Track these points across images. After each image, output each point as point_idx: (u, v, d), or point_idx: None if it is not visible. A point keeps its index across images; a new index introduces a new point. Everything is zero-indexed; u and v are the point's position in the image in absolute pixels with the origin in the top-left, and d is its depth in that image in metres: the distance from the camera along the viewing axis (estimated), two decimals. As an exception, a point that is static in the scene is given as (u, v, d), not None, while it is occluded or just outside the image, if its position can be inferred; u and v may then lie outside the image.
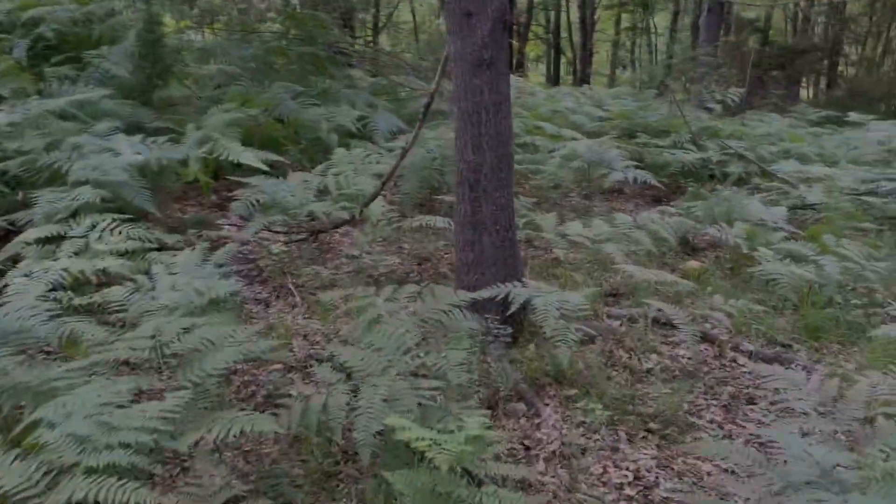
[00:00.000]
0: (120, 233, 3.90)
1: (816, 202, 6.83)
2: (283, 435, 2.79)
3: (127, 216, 4.17)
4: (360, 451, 2.30)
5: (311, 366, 3.50)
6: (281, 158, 6.18)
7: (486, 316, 3.54)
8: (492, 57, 3.68)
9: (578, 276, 5.07)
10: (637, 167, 7.45)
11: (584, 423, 3.26)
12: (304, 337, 3.88)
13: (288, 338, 3.84)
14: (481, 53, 3.66)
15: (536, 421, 3.28)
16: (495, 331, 3.50)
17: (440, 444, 2.14)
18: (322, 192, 5.52)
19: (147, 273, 3.43)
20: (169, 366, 2.38)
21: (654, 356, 4.04)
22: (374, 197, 5.20)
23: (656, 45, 30.52)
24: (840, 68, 28.47)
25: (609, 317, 4.60)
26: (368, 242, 5.28)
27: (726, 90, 12.25)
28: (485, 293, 3.47)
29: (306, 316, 4.17)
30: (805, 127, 13.34)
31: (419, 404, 2.49)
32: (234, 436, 2.00)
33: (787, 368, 4.14)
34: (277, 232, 5.09)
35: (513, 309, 3.46)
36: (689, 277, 5.50)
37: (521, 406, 3.35)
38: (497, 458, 2.70)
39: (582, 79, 24.61)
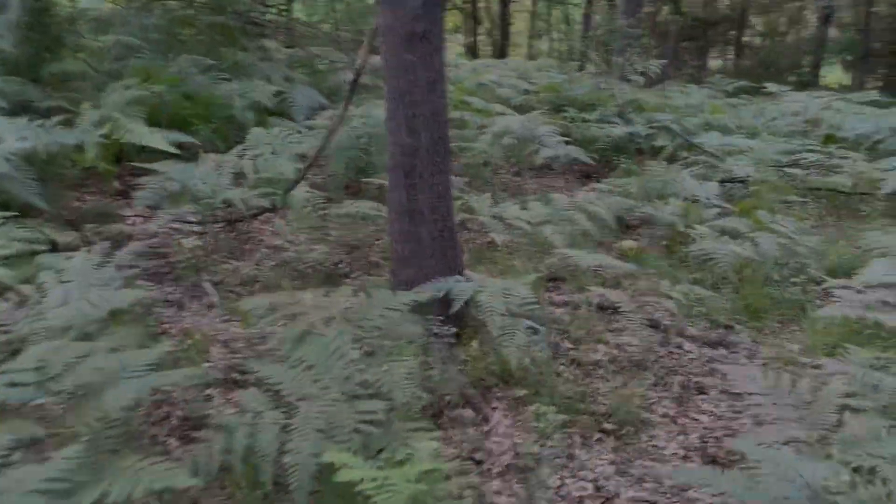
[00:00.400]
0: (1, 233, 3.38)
1: (744, 176, 6.85)
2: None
3: (11, 213, 3.64)
4: (296, 496, 1.99)
5: (233, 380, 3.12)
6: (191, 139, 5.65)
7: (428, 316, 3.25)
8: (425, 30, 3.34)
9: (518, 261, 4.84)
10: (567, 143, 7.29)
11: (536, 428, 3.03)
12: (225, 344, 3.49)
13: (205, 346, 3.44)
14: (413, 26, 3.32)
15: (485, 428, 3.03)
16: (438, 331, 3.22)
17: (389, 485, 1.84)
18: (239, 177, 5.06)
19: (34, 282, 2.96)
20: (59, 407, 1.98)
21: (601, 346, 3.86)
22: (297, 181, 4.80)
23: (574, 16, 30.59)
24: (746, 39, 29.33)
25: (552, 304, 4.40)
26: (292, 231, 4.88)
27: (647, 62, 12.27)
28: (425, 291, 3.18)
29: (226, 318, 3.77)
30: (721, 98, 13.59)
31: (361, 430, 2.19)
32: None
33: (731, 352, 4.06)
34: (189, 223, 4.62)
35: (456, 307, 3.19)
36: (626, 257, 5.38)
37: (469, 412, 3.10)
38: (448, 478, 2.43)
39: (501, 50, 24.41)
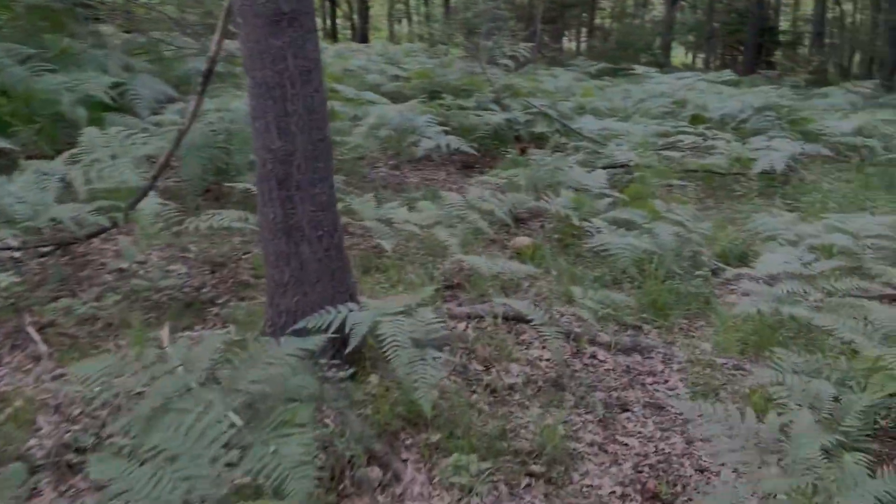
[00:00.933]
0: None
1: (627, 161, 6.72)
2: None
3: None
4: None
5: (67, 464, 2.42)
6: (8, 144, 4.70)
7: (320, 360, 2.69)
8: (293, 10, 2.75)
9: (411, 270, 4.35)
10: (446, 132, 6.87)
11: (455, 484, 2.57)
12: (57, 410, 2.75)
13: (30, 414, 2.69)
14: (279, 4, 2.71)
15: (397, 490, 2.53)
16: (332, 375, 2.67)
17: None
18: (69, 188, 4.21)
19: None
20: None
21: (514, 366, 3.46)
22: (144, 192, 4.03)
23: (434, -1, 30.32)
24: (597, 21, 30.35)
25: (452, 317, 3.96)
26: (142, 251, 4.11)
27: (516, 45, 12.11)
28: (316, 323, 2.62)
29: (57, 374, 3.01)
30: (587, 80, 13.72)
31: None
32: None
33: (646, 357, 3.81)
34: (5, 251, 3.74)
35: (353, 344, 2.66)
36: (522, 255, 5.04)
37: (375, 471, 2.58)
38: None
39: (361, 33, 23.68)
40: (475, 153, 6.98)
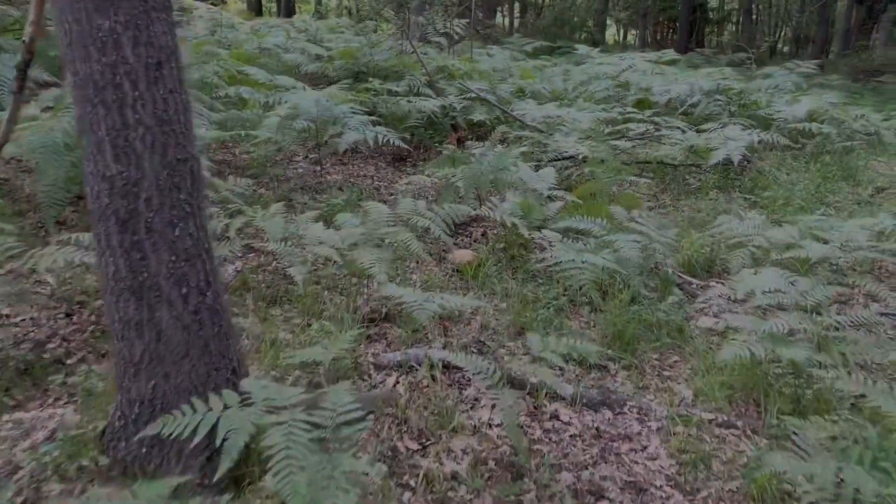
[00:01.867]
0: None
1: (575, 153, 6.03)
2: None
3: None
4: None
5: None
6: None
7: (188, 474, 1.87)
8: (127, -28, 1.88)
9: (330, 299, 3.55)
10: (374, 122, 6.02)
11: None
12: None
13: None
14: (102, -36, 1.84)
15: None
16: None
17: None
18: None
19: None
20: None
21: (456, 441, 2.71)
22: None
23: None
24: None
25: (378, 368, 3.17)
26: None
27: (450, 21, 11.26)
28: (170, 434, 1.79)
29: None
30: (524, 59, 12.99)
31: None
32: None
33: (618, 414, 3.12)
34: None
35: (225, 467, 1.84)
36: (464, 272, 4.29)
37: None
38: None
39: (287, 7, 22.28)
40: (407, 146, 6.15)
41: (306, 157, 6.45)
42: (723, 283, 4.51)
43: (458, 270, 4.34)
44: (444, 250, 4.55)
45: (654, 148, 6.81)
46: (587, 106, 7.82)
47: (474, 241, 4.86)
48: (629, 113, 7.57)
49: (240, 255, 4.13)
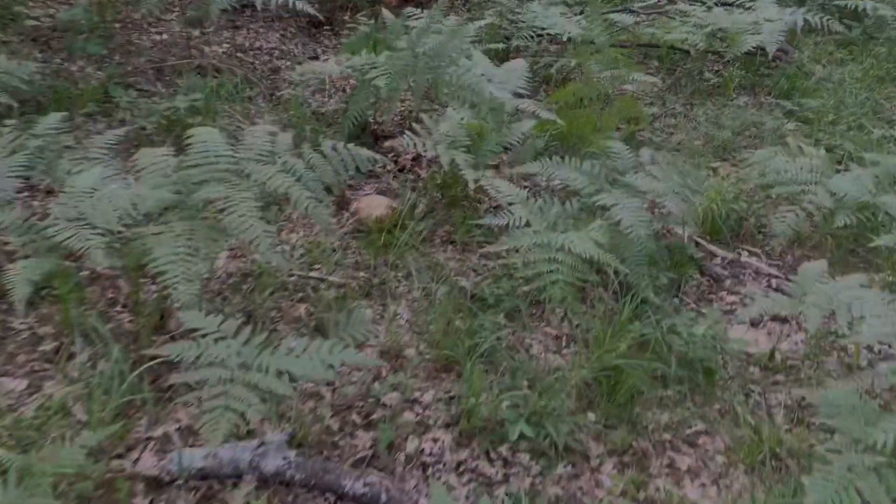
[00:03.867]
0: None
1: (560, 32, 4.26)
2: None
3: None
4: None
5: None
6: None
7: None
8: None
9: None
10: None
11: None
12: None
13: None
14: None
15: None
16: None
17: None
18: None
19: None
20: None
21: None
22: None
23: None
24: None
25: (152, 487, 1.69)
26: None
27: None
28: None
29: None
30: None
31: None
32: None
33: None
34: None
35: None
36: (371, 233, 2.75)
37: None
38: None
39: None
40: (317, 14, 4.27)
41: (183, 13, 4.56)
42: (759, 255, 3.09)
43: (362, 230, 2.78)
44: (349, 196, 2.96)
45: (664, 28, 5.02)
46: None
47: (399, 172, 3.24)
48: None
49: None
